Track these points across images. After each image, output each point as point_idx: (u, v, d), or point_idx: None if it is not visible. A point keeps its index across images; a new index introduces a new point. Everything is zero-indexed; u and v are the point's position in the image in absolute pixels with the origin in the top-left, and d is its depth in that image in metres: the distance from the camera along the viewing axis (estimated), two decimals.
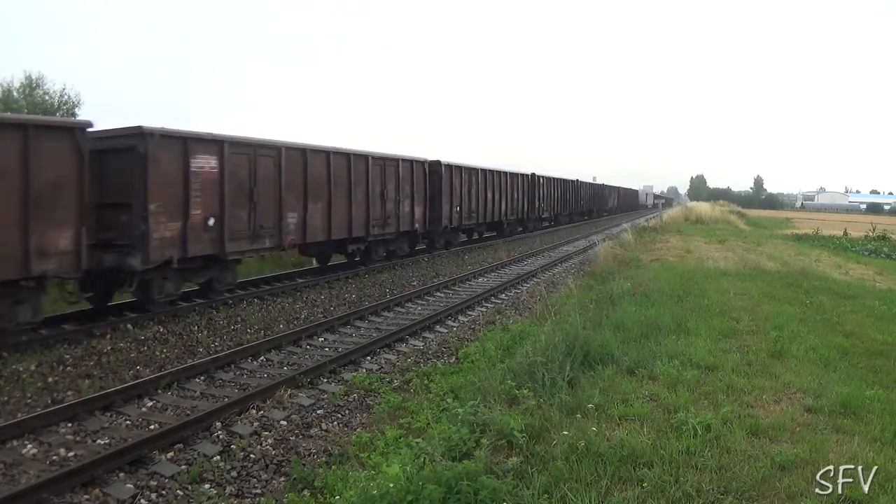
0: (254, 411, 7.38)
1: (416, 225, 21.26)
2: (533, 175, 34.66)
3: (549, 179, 38.51)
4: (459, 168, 24.93)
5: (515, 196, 31.82)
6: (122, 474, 5.80)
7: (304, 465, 6.08)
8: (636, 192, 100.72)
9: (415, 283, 16.66)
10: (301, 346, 10.32)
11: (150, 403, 7.61)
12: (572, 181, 46.21)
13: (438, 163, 23.03)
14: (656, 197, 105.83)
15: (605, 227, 43.93)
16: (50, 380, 8.20)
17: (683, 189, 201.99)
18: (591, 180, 62.53)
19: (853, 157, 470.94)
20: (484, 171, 27.76)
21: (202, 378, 8.58)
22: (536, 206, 35.23)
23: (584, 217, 52.83)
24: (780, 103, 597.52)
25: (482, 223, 28.20)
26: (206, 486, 5.70)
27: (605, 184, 65.99)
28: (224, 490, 5.64)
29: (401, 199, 19.98)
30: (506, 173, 30.52)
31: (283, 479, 5.93)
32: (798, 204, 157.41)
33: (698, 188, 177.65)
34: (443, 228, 23.41)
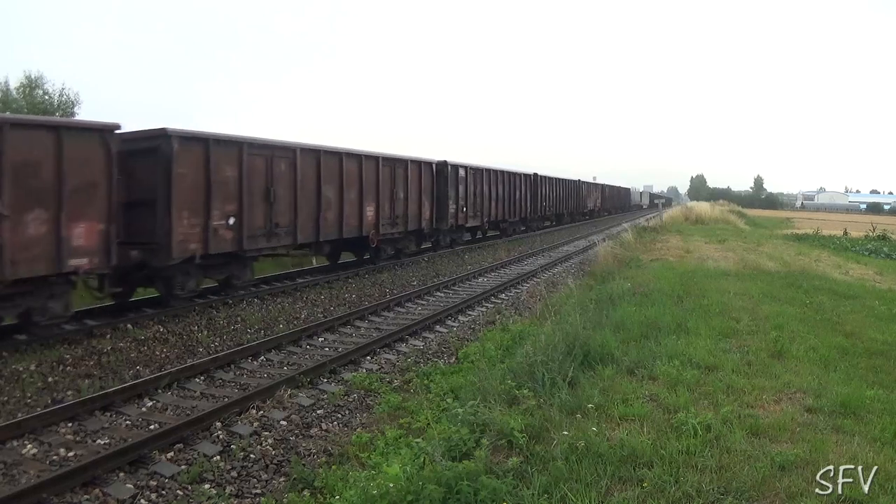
0: (254, 411, 7.38)
1: (77, 264, 9.76)
2: (444, 164, 23.07)
3: (479, 172, 26.62)
4: (235, 145, 13.06)
5: (402, 196, 19.86)
6: (122, 474, 5.81)
7: (304, 465, 6.08)
8: (628, 190, 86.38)
9: (415, 283, 16.66)
10: (301, 346, 10.32)
11: (150, 403, 7.61)
12: (527, 175, 34.04)
13: (163, 133, 11.57)
14: (656, 196, 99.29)
15: (558, 241, 30.43)
16: (50, 380, 8.20)
17: (683, 189, 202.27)
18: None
19: (853, 157, 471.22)
20: (315, 152, 15.60)
21: (202, 378, 8.58)
22: (450, 211, 23.26)
23: (550, 223, 41.03)
24: (780, 103, 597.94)
25: (311, 243, 15.79)
26: (206, 486, 5.70)
27: (584, 180, 52.67)
28: (224, 490, 5.64)
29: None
30: (375, 158, 18.18)
31: (283, 479, 5.94)
32: (798, 204, 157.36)
33: (698, 188, 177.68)
34: (168, 265, 11.64)
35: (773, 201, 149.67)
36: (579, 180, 49.55)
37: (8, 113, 8.25)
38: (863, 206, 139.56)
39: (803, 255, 23.89)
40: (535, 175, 35.59)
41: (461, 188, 24.61)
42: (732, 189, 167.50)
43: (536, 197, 35.63)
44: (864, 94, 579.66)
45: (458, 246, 25.44)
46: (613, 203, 68.73)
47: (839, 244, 33.53)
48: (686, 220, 46.15)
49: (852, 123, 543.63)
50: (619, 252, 20.34)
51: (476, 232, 29.27)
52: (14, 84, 38.07)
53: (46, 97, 38.86)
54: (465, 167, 25.38)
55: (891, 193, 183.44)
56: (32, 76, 38.71)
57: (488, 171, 28.20)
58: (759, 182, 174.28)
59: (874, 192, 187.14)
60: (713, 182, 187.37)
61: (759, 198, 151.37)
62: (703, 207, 58.71)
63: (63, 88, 39.74)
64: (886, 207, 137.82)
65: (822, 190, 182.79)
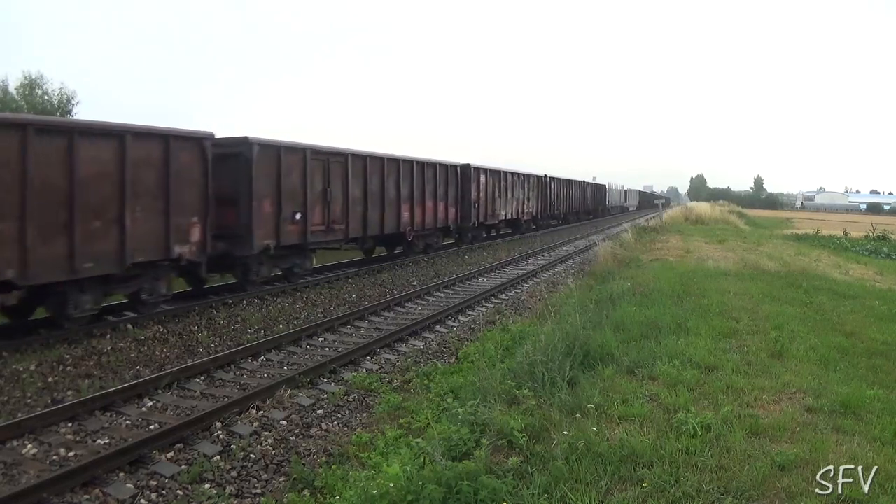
0: (254, 411, 7.38)
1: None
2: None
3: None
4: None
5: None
6: (122, 474, 5.81)
7: (304, 464, 6.08)
8: (602, 187, 62.50)
9: (415, 283, 16.66)
10: (301, 346, 10.32)
11: (150, 403, 7.61)
12: (242, 140, 13.46)
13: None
14: (654, 196, 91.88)
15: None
16: (50, 380, 8.20)
17: (683, 189, 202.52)
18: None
19: (853, 157, 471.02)
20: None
21: (202, 378, 8.58)
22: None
23: (397, 253, 21.62)
24: (780, 103, 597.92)
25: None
26: (206, 486, 5.70)
27: (487, 167, 28.11)
28: (224, 490, 5.64)
29: None
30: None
31: (283, 479, 5.93)
32: (798, 204, 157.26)
33: (698, 188, 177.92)
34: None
35: (773, 201, 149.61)
36: (469, 164, 25.94)
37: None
38: (863, 207, 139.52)
39: (803, 256, 23.89)
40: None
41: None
42: (732, 189, 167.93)
43: (279, 198, 14.34)
44: (863, 95, 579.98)
45: None
46: (571, 206, 45.74)
47: (839, 244, 33.53)
48: (686, 221, 46.15)
49: (852, 123, 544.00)
50: (618, 252, 20.34)
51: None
52: (14, 84, 38.17)
53: (45, 97, 38.93)
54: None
55: (891, 193, 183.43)
56: (32, 76, 38.80)
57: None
58: (759, 182, 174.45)
59: (874, 192, 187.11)
60: (713, 182, 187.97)
61: (759, 198, 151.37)
62: (703, 207, 58.71)
63: (61, 88, 39.87)
64: (886, 207, 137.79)
65: (822, 190, 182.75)
